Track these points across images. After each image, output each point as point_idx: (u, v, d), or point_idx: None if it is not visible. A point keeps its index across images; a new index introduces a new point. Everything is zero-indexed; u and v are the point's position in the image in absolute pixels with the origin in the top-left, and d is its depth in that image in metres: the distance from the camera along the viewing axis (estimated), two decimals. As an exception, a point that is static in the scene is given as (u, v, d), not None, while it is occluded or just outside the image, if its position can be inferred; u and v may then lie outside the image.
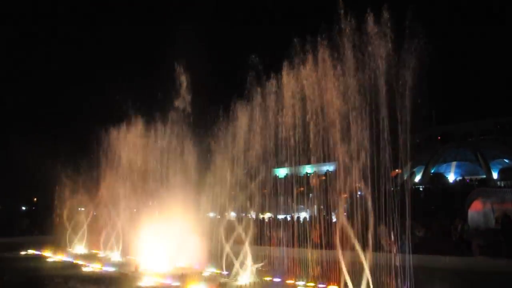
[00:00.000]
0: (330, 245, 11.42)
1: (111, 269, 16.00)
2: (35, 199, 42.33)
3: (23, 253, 22.13)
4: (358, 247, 10.40)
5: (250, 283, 11.90)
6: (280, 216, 15.31)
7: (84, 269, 16.39)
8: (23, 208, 44.08)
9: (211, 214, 17.01)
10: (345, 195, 11.43)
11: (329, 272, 11.30)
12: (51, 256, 20.65)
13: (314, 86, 11.96)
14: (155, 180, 17.85)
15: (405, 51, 10.78)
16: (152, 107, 18.56)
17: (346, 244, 10.76)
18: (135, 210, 19.01)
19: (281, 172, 14.30)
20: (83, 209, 23.90)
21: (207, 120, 15.77)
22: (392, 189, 11.01)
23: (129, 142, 20.02)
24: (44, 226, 27.08)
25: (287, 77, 12.70)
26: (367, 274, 10.28)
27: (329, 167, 12.91)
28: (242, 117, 14.31)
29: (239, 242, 13.31)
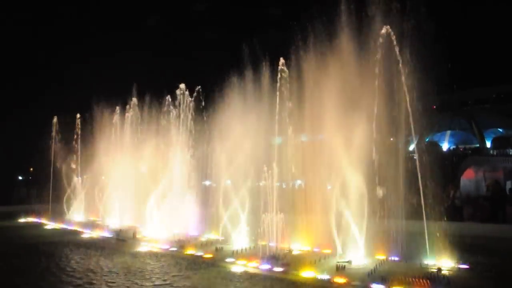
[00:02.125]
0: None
1: (109, 235, 16.29)
2: (31, 168, 42.38)
3: (22, 221, 22.41)
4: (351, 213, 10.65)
5: (245, 247, 12.19)
6: (276, 184, 15.46)
7: (83, 236, 16.68)
8: (20, 178, 44.27)
9: (207, 182, 17.16)
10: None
11: (324, 237, 11.59)
12: (50, 223, 20.94)
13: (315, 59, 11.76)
14: (153, 148, 17.84)
15: (405, 22, 10.60)
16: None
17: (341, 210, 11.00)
18: (132, 177, 19.09)
19: (277, 140, 14.36)
20: (80, 178, 24.01)
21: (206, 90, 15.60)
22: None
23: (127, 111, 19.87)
24: (42, 194, 27.29)
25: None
26: (360, 239, 10.58)
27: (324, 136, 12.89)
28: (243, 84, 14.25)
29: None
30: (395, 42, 10.72)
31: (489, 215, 17.00)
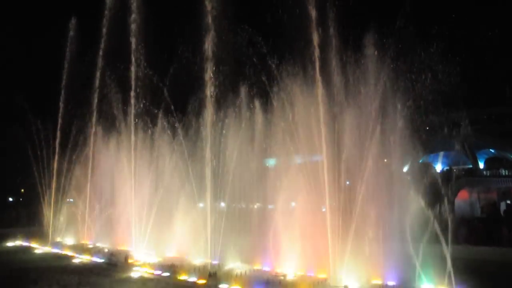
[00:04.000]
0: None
1: (100, 260, 15.92)
2: (23, 190, 41.64)
3: (10, 244, 21.86)
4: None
5: (239, 272, 11.95)
6: (270, 206, 15.34)
7: (73, 261, 16.28)
8: (10, 199, 43.43)
9: (201, 205, 16.99)
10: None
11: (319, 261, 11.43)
12: (39, 247, 20.45)
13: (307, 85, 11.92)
14: (146, 170, 17.68)
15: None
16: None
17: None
18: (125, 200, 18.83)
19: (271, 162, 14.36)
20: (72, 200, 23.64)
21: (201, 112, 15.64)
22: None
23: (121, 131, 19.81)
24: (32, 217, 26.76)
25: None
26: (354, 263, 10.45)
27: (319, 158, 12.92)
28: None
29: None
30: (387, 65, 10.95)
31: (484, 237, 16.93)
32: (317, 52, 11.00)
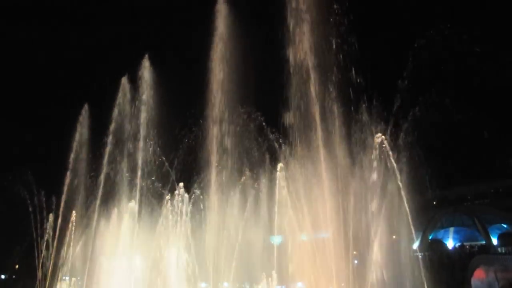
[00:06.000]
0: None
1: None
2: (17, 266, 40.01)
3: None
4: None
5: None
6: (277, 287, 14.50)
7: None
8: (2, 276, 41.59)
9: (203, 285, 16.17)
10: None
11: None
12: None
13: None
14: (146, 252, 17.17)
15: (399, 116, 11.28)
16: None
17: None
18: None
19: (276, 240, 13.93)
20: (67, 277, 22.61)
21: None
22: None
23: (122, 213, 19.66)
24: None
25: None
26: None
27: (324, 235, 12.58)
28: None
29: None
30: (389, 143, 11.19)
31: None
32: (320, 133, 11.38)
